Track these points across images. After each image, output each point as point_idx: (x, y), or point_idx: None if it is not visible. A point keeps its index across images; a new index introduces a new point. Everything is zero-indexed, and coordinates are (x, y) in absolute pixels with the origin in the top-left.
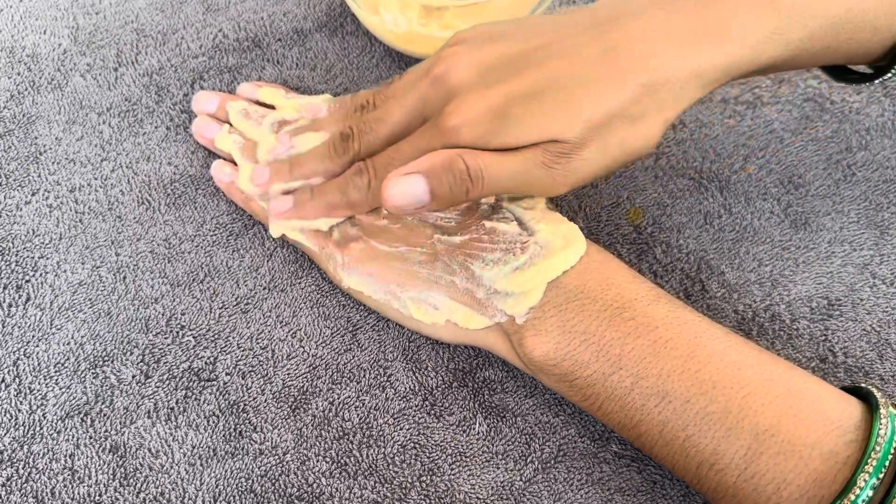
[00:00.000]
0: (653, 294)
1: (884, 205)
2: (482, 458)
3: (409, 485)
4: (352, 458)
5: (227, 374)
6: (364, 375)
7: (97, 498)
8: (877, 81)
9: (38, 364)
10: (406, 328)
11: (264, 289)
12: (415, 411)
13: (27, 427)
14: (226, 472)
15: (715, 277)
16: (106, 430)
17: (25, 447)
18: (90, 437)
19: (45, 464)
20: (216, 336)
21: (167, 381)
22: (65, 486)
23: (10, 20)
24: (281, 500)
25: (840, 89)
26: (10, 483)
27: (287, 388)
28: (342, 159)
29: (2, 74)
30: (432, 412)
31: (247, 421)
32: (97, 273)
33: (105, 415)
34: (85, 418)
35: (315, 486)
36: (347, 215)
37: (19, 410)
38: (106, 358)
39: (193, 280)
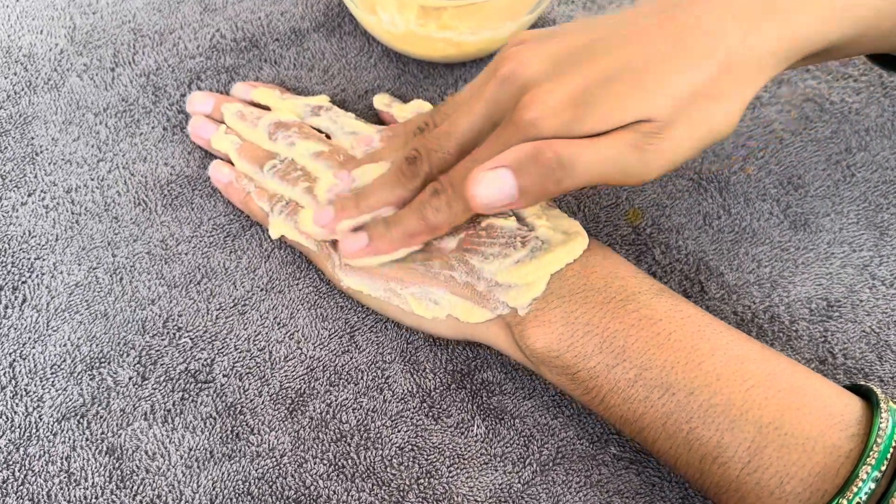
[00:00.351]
0: (655, 288)
1: (883, 206)
2: (480, 461)
3: (406, 487)
4: (349, 461)
5: (224, 375)
6: (362, 377)
7: (93, 500)
8: None
9: (35, 366)
10: (404, 329)
11: (262, 290)
12: (413, 413)
13: (23, 429)
14: (223, 474)
15: (714, 278)
16: (102, 433)
17: (21, 449)
18: (87, 440)
19: (42, 466)
20: (213, 337)
21: (164, 383)
22: (61, 488)
23: (6, 20)
24: (278, 502)
25: (840, 90)
26: (5, 486)
27: (284, 390)
28: (413, 183)
29: None
30: (430, 414)
31: (244, 423)
32: (94, 274)
33: (101, 417)
34: (81, 420)
35: (312, 488)
36: (428, 240)
37: (15, 412)
38: (102, 359)
39: (190, 281)
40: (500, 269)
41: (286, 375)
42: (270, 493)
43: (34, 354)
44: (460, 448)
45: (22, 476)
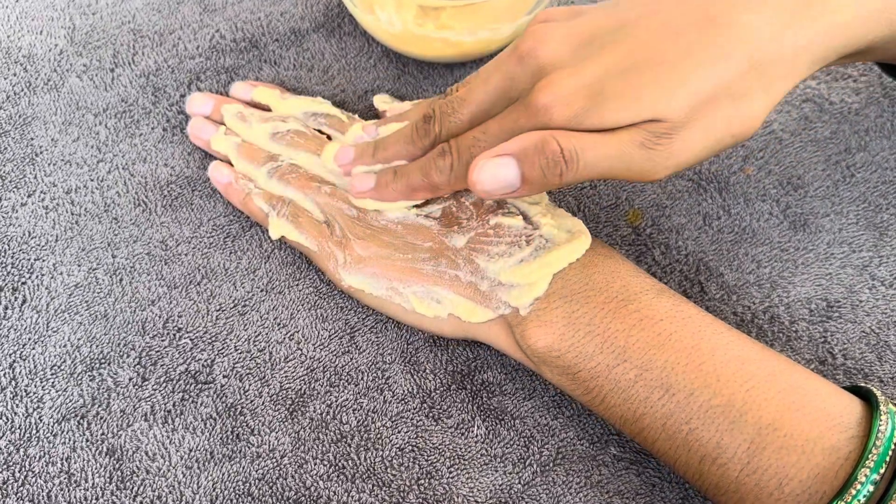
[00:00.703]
0: (657, 288)
1: (883, 206)
2: (481, 461)
3: (407, 488)
4: (350, 461)
5: (224, 376)
6: (362, 378)
7: (94, 501)
8: None
9: (35, 367)
10: (405, 330)
11: (262, 291)
12: (413, 414)
13: (23, 430)
14: (223, 475)
15: (714, 279)
16: (103, 433)
17: (22, 450)
18: (87, 441)
19: (42, 467)
20: (213, 338)
21: (164, 384)
22: (61, 489)
23: (6, 20)
24: (278, 503)
25: (839, 90)
26: (6, 487)
27: (284, 391)
28: (423, 142)
29: None
30: (431, 415)
31: (244, 424)
32: (93, 275)
33: (102, 418)
34: (81, 421)
35: (313, 489)
36: (428, 198)
37: (15, 413)
38: (102, 360)
39: (190, 282)
40: (504, 269)
41: (286, 376)
42: (271, 494)
43: (34, 355)
44: (460, 449)
45: (22, 477)
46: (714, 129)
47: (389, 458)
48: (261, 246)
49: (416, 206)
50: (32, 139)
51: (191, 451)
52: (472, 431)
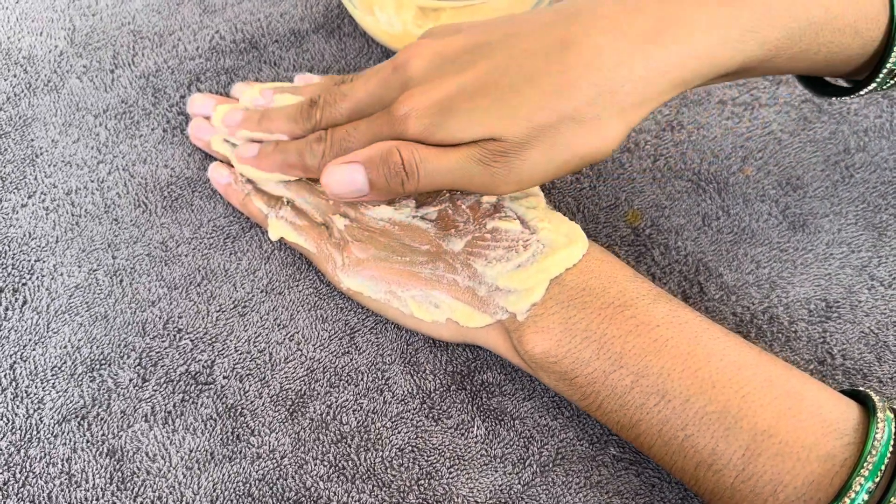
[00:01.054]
0: (654, 293)
1: (882, 206)
2: (480, 462)
3: (407, 488)
4: (350, 462)
5: (224, 377)
6: (362, 378)
7: (94, 502)
8: (857, 95)
9: (35, 368)
10: (405, 330)
11: (262, 292)
12: (413, 414)
13: (24, 431)
14: (223, 476)
15: (713, 279)
16: (103, 434)
17: (22, 451)
18: (87, 441)
19: (42, 468)
20: (213, 339)
21: (164, 385)
22: (62, 490)
23: (6, 22)
24: (279, 503)
25: None
26: (6, 488)
27: (284, 392)
28: (305, 125)
29: None
30: (430, 415)
31: (244, 424)
32: (94, 276)
33: (102, 419)
34: (82, 422)
35: (313, 489)
36: (300, 177)
37: (16, 414)
38: (103, 361)
39: (190, 283)
40: (502, 274)
41: (286, 377)
42: (271, 495)
43: (35, 356)
44: (460, 449)
45: (23, 478)
46: (556, 151)
47: (389, 459)
48: (261, 247)
49: (412, 208)
50: (33, 140)
51: (191, 451)
52: (472, 432)
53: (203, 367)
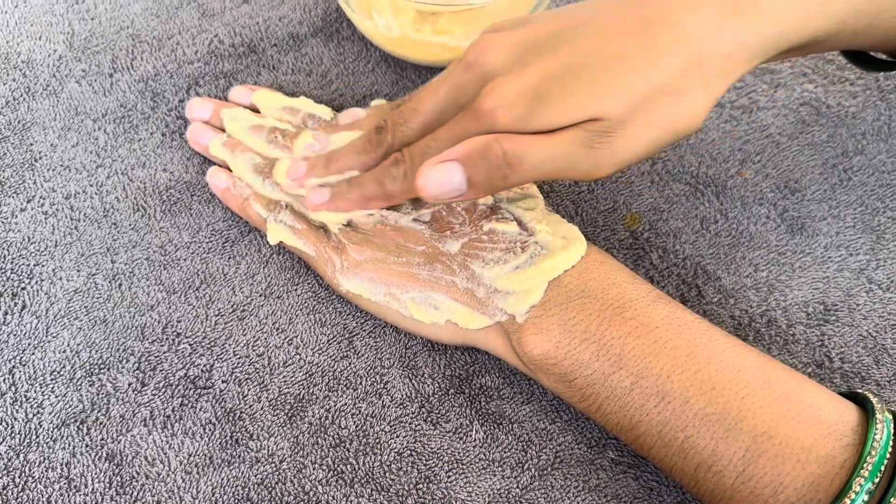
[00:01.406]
0: (653, 295)
1: (880, 209)
2: (479, 466)
3: (405, 492)
4: (348, 466)
5: (223, 381)
6: (360, 382)
7: None
8: None
9: (34, 372)
10: (403, 334)
11: (260, 296)
12: (411, 418)
13: (23, 435)
14: (222, 480)
15: (711, 283)
16: (102, 439)
17: (21, 456)
18: (86, 446)
19: (42, 472)
20: (212, 343)
21: (163, 389)
22: (61, 494)
23: (4, 26)
24: None
25: (836, 93)
26: (6, 492)
27: (283, 396)
28: (377, 152)
29: None
30: (429, 419)
31: (243, 429)
32: (93, 280)
33: (101, 423)
34: (81, 426)
35: (312, 493)
36: (383, 206)
37: (15, 419)
38: (102, 366)
39: (189, 287)
40: (500, 276)
41: (285, 381)
42: (270, 499)
43: (34, 361)
44: (459, 453)
45: (22, 482)
46: (654, 126)
47: (388, 463)
48: (259, 251)
49: (406, 210)
50: (32, 145)
51: (190, 456)
52: (471, 436)
53: (202, 371)
